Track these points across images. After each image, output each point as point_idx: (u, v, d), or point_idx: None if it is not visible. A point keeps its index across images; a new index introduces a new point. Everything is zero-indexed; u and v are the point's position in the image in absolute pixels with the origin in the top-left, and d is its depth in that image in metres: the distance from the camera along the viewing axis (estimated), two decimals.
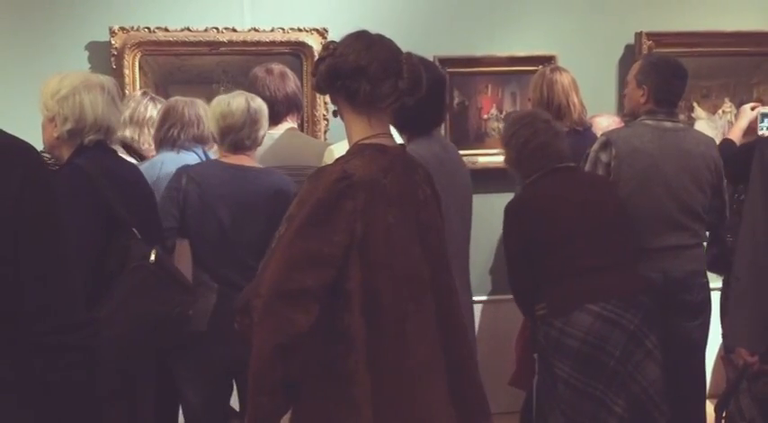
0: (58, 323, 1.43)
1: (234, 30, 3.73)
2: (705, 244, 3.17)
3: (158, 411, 2.48)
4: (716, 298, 3.21)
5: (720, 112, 4.15)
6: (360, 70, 1.82)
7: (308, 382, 1.79)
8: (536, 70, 3.69)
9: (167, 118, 2.88)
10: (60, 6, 3.66)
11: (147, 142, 3.05)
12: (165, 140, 2.87)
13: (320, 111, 3.83)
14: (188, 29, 3.69)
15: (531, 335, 2.92)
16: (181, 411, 2.80)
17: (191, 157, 2.84)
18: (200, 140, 2.91)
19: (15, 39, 3.62)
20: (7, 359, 1.41)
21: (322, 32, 3.78)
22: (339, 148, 2.57)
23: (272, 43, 3.76)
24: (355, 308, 1.76)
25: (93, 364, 1.47)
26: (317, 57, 3.60)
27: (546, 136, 2.82)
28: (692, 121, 4.08)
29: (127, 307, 2.12)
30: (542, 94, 3.43)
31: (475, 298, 3.76)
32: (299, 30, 3.78)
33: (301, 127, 3.59)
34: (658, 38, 4.02)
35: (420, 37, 3.63)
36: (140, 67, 3.68)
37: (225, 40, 3.71)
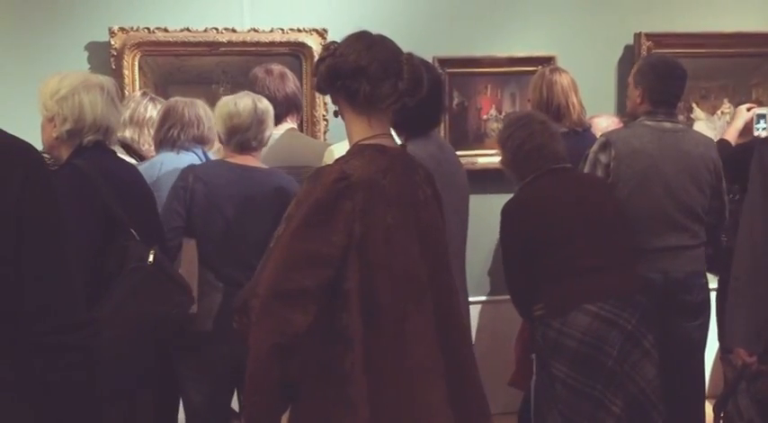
0: (58, 323, 1.43)
1: (233, 30, 3.73)
2: None
3: (158, 411, 2.48)
4: (712, 298, 3.21)
5: (719, 112, 4.15)
6: (360, 70, 1.83)
7: (306, 382, 1.79)
8: (535, 71, 3.69)
9: (167, 118, 2.88)
10: (60, 7, 3.66)
11: (146, 143, 3.05)
12: (165, 141, 2.87)
13: (320, 111, 3.83)
14: (188, 29, 3.69)
15: (531, 335, 2.93)
16: (181, 411, 2.81)
17: (190, 158, 2.84)
18: (200, 141, 2.91)
19: (15, 39, 3.62)
20: (7, 359, 1.41)
21: (321, 33, 3.79)
22: (339, 149, 2.57)
23: (272, 44, 3.76)
24: (354, 308, 1.76)
25: (92, 364, 1.47)
26: (316, 57, 3.64)
27: (542, 137, 2.82)
28: (691, 121, 4.08)
29: (125, 308, 2.12)
30: (542, 95, 3.44)
31: (474, 298, 3.77)
32: (299, 30, 3.79)
33: (301, 127, 3.59)
34: (657, 38, 4.02)
35: (420, 37, 3.63)
36: (140, 68, 3.69)
37: (224, 40, 3.71)
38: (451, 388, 1.89)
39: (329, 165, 1.88)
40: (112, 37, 3.63)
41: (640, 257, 2.85)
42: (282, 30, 3.77)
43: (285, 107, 3.10)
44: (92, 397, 1.50)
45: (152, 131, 3.00)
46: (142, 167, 2.71)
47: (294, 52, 3.80)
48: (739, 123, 3.52)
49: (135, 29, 3.65)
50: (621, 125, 3.60)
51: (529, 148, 2.81)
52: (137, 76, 3.67)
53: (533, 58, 3.95)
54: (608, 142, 2.99)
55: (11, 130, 1.50)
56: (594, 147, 3.02)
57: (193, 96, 3.06)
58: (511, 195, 2.93)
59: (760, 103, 3.88)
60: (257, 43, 3.74)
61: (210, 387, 2.67)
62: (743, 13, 4.17)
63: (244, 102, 2.69)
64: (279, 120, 3.04)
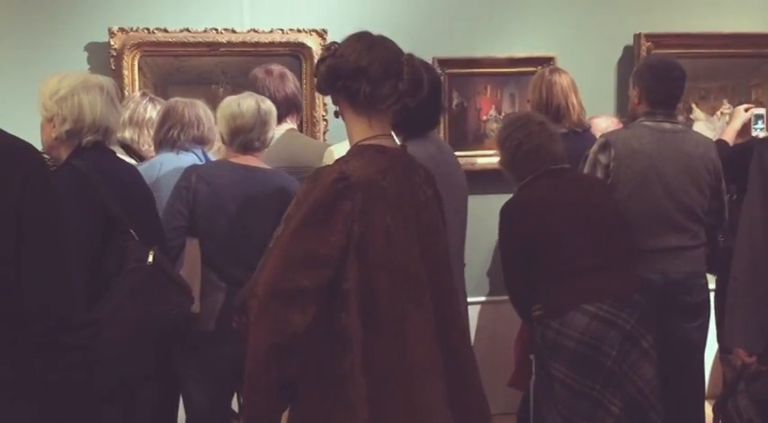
0: (58, 323, 1.43)
1: (233, 31, 3.73)
2: None
3: (158, 411, 2.48)
4: (712, 299, 3.21)
5: (719, 113, 4.15)
6: (360, 71, 1.83)
7: (304, 383, 1.79)
8: (535, 71, 3.70)
9: (167, 119, 2.88)
10: (60, 7, 3.66)
11: (146, 143, 3.05)
12: (165, 141, 2.87)
13: (319, 111, 3.83)
14: (187, 30, 3.69)
15: (530, 336, 2.93)
16: (181, 411, 2.80)
17: (190, 158, 2.84)
18: (200, 141, 2.92)
19: (15, 39, 3.62)
20: (8, 359, 1.42)
21: (321, 33, 3.79)
22: (339, 149, 2.57)
23: (272, 44, 3.76)
24: (352, 308, 1.76)
25: (92, 364, 1.47)
26: (315, 58, 3.68)
27: (540, 138, 2.82)
28: (690, 122, 4.08)
29: (125, 308, 2.12)
30: (542, 96, 3.44)
31: (474, 299, 3.78)
32: (299, 31, 3.79)
33: (300, 128, 3.59)
34: (657, 39, 4.02)
35: (419, 38, 3.63)
36: (139, 68, 3.68)
37: (224, 40, 3.71)
38: (451, 388, 1.89)
39: (329, 165, 1.88)
40: (112, 37, 3.63)
41: (639, 258, 2.85)
42: (282, 30, 3.77)
43: (285, 107, 3.10)
44: (91, 397, 1.50)
45: (152, 132, 3.00)
46: (142, 168, 2.72)
47: (294, 53, 3.80)
48: (737, 124, 3.53)
49: (134, 29, 3.65)
50: (621, 126, 3.60)
51: (527, 148, 2.82)
52: (136, 77, 3.67)
53: (533, 58, 3.95)
54: (608, 143, 2.99)
55: (11, 130, 1.50)
56: (594, 147, 3.02)
57: (193, 97, 3.06)
58: (510, 196, 2.93)
59: (759, 104, 3.88)
60: (257, 44, 3.74)
61: (212, 387, 2.67)
62: (742, 13, 4.17)
63: (247, 102, 2.70)
64: (279, 120, 3.03)
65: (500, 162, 2.95)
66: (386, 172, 1.83)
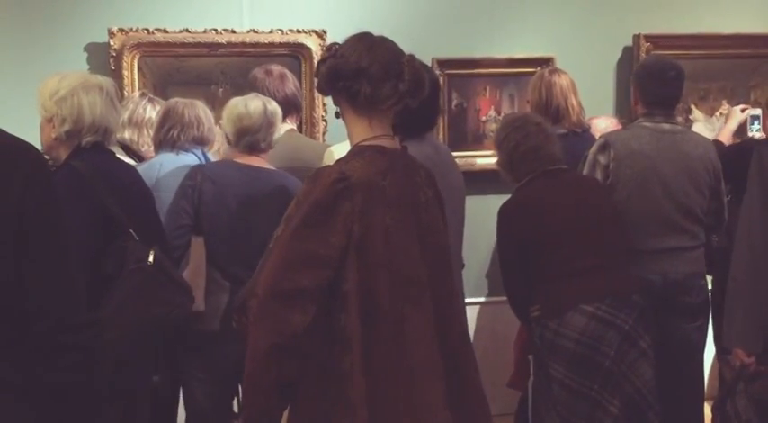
0: (58, 323, 1.43)
1: (233, 31, 3.73)
2: None
3: (157, 411, 2.48)
4: None
5: (718, 114, 4.15)
6: (360, 72, 1.83)
7: (304, 383, 1.79)
8: (534, 72, 3.70)
9: (167, 119, 2.88)
10: (59, 7, 3.66)
11: (146, 143, 3.05)
12: (165, 142, 2.87)
13: (319, 112, 3.83)
14: (187, 30, 3.69)
15: (529, 336, 2.93)
16: (180, 411, 2.81)
17: (190, 159, 2.84)
18: (200, 142, 2.92)
19: (14, 39, 3.62)
20: (9, 359, 1.42)
21: (320, 34, 3.79)
22: (339, 150, 2.57)
23: (271, 45, 3.76)
24: (352, 309, 1.76)
25: (93, 365, 1.47)
26: (315, 58, 3.68)
27: (537, 139, 2.83)
28: (689, 123, 4.08)
29: (126, 309, 2.13)
30: (541, 96, 3.44)
31: (473, 300, 3.78)
32: (298, 31, 3.79)
33: (300, 128, 3.59)
34: (656, 40, 4.03)
35: (419, 39, 3.63)
36: (139, 69, 3.68)
37: (224, 41, 3.72)
38: (451, 389, 1.89)
39: (329, 166, 1.88)
40: (112, 38, 3.63)
41: (638, 258, 2.86)
42: (281, 31, 3.78)
43: (285, 108, 3.09)
44: (92, 397, 1.50)
45: (151, 132, 3.00)
46: (141, 168, 2.72)
47: (293, 53, 3.80)
48: (733, 125, 3.54)
49: (134, 30, 3.65)
50: (620, 126, 3.60)
51: (524, 149, 2.82)
52: (136, 77, 3.67)
53: (532, 59, 3.95)
54: (607, 143, 2.99)
55: (11, 130, 1.51)
56: (593, 148, 3.02)
57: (192, 97, 3.06)
58: (510, 197, 2.93)
59: (757, 105, 3.88)
60: (256, 44, 3.74)
61: (215, 387, 2.68)
62: (742, 14, 4.18)
63: (254, 104, 2.71)
64: None
65: (498, 163, 2.95)
66: (386, 172, 1.83)
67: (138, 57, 3.67)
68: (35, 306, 1.42)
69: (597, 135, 3.34)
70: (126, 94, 3.46)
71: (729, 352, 2.59)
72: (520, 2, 4.03)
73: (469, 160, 3.89)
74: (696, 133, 3.33)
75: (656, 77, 3.02)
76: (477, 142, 4.00)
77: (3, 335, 1.41)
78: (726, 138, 3.50)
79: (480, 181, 3.65)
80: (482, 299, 4.01)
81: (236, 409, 2.86)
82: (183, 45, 3.69)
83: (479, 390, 2.00)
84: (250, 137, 2.69)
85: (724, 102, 4.18)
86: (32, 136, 1.88)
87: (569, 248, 2.71)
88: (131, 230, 2.20)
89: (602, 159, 2.98)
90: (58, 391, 1.45)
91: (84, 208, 2.14)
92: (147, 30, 3.66)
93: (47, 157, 2.33)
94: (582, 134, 3.43)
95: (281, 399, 1.77)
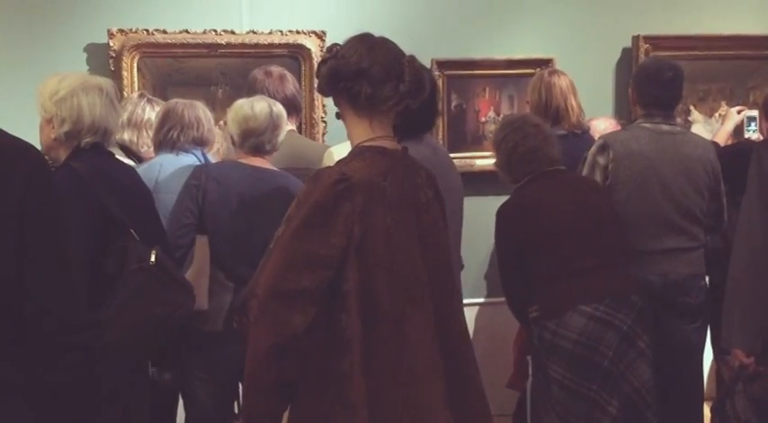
0: (60, 324, 1.43)
1: (232, 32, 3.73)
2: None
3: (156, 411, 2.48)
4: None
5: (717, 115, 4.15)
6: (361, 72, 1.83)
7: (304, 383, 1.79)
8: (534, 73, 3.70)
9: (167, 120, 2.88)
10: (59, 8, 3.66)
11: (145, 144, 3.05)
12: (165, 142, 2.87)
13: (318, 113, 3.83)
14: (186, 31, 3.70)
15: (527, 337, 2.93)
16: (180, 411, 2.80)
17: (190, 159, 2.84)
18: (200, 143, 2.92)
19: (14, 40, 3.62)
20: (10, 359, 1.41)
21: (320, 35, 3.79)
22: (339, 151, 2.58)
23: (270, 46, 3.76)
24: (352, 309, 1.76)
25: (94, 365, 1.47)
26: (314, 59, 3.68)
27: (536, 140, 2.83)
28: (688, 124, 4.08)
29: (128, 310, 2.13)
30: (541, 97, 3.45)
31: (472, 300, 3.79)
32: (297, 32, 3.79)
33: (299, 129, 3.59)
34: (655, 41, 4.03)
35: (418, 40, 3.63)
36: (138, 69, 3.69)
37: (223, 42, 3.72)
38: (451, 389, 1.89)
39: (329, 166, 1.89)
40: (111, 38, 3.63)
41: (637, 259, 2.86)
42: (281, 32, 3.78)
43: (284, 109, 3.10)
44: (92, 397, 1.50)
45: (150, 133, 3.00)
46: (141, 169, 2.72)
47: (293, 54, 3.80)
48: (729, 126, 3.55)
49: (134, 30, 3.65)
50: (619, 127, 3.61)
51: (523, 150, 2.82)
52: (135, 78, 3.67)
53: (531, 60, 3.96)
54: (606, 144, 3.00)
55: (10, 130, 1.51)
56: (593, 149, 3.02)
57: (192, 98, 3.06)
58: (508, 198, 2.94)
59: (755, 106, 3.88)
60: (256, 45, 3.74)
61: (217, 388, 2.68)
62: (741, 15, 4.18)
63: (260, 105, 2.71)
64: None
65: (496, 164, 2.96)
66: (387, 173, 1.84)
67: (137, 57, 3.67)
68: (36, 306, 1.42)
69: (596, 136, 3.34)
70: (125, 94, 3.46)
71: (728, 352, 2.59)
72: (519, 3, 4.03)
73: (469, 161, 3.89)
74: (695, 134, 3.33)
75: (652, 79, 3.02)
76: (476, 143, 4.00)
77: (3, 335, 1.41)
78: (722, 139, 3.50)
79: (479, 182, 3.66)
80: (481, 300, 4.01)
81: (236, 409, 2.86)
82: (183, 46, 3.70)
83: (480, 390, 2.00)
84: (255, 138, 2.70)
85: (723, 103, 4.19)
86: (32, 136, 1.88)
87: (567, 249, 2.71)
88: (132, 231, 2.20)
89: (601, 160, 2.98)
90: (58, 392, 1.45)
91: (84, 208, 2.14)
92: (147, 30, 3.66)
93: (46, 157, 2.33)
94: (581, 135, 3.44)
95: (282, 399, 1.77)
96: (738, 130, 3.53)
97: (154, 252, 2.19)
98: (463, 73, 3.94)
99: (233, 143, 2.77)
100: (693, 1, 4.16)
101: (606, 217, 2.82)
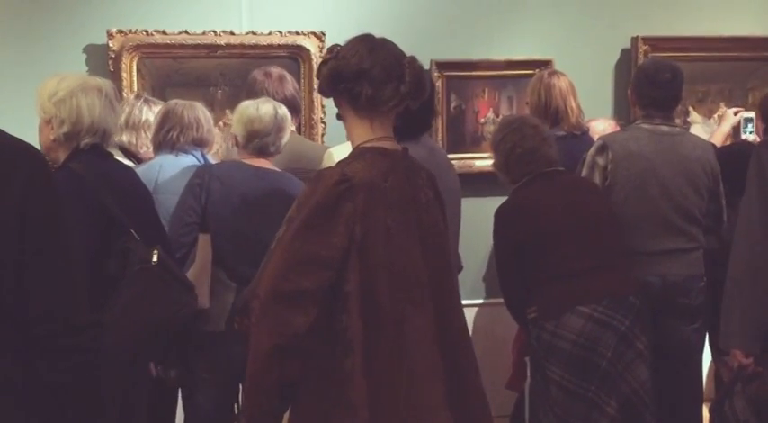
0: (61, 325, 1.43)
1: (231, 33, 3.73)
2: None
3: (156, 411, 2.48)
4: None
5: (716, 116, 4.15)
6: (362, 73, 1.83)
7: (305, 383, 1.80)
8: (533, 74, 3.70)
9: (166, 121, 2.88)
10: (58, 9, 3.66)
11: (144, 145, 3.05)
12: (164, 143, 2.87)
13: (318, 114, 3.83)
14: (186, 32, 3.69)
15: (526, 338, 2.94)
16: (180, 411, 2.80)
17: (189, 160, 2.84)
18: (199, 143, 2.92)
19: (13, 41, 3.62)
20: (11, 360, 1.41)
21: (319, 36, 3.79)
22: (339, 152, 2.58)
23: (270, 46, 3.76)
24: (353, 310, 1.77)
25: (96, 366, 1.47)
26: (314, 60, 3.68)
27: (534, 141, 2.84)
28: (687, 125, 4.08)
29: (132, 310, 2.13)
30: (540, 98, 3.45)
31: (471, 301, 3.78)
32: (297, 33, 3.79)
33: (299, 130, 3.59)
34: (654, 42, 4.03)
35: (417, 41, 3.62)
36: (138, 70, 3.68)
37: (223, 43, 3.71)
38: (452, 390, 1.89)
39: (330, 167, 1.89)
40: (110, 39, 3.63)
41: (637, 260, 2.86)
42: (280, 33, 3.77)
43: None
44: (95, 398, 1.50)
45: (149, 134, 3.00)
46: (141, 170, 2.72)
47: (292, 55, 3.80)
48: (726, 127, 3.56)
49: (133, 31, 3.64)
50: (618, 129, 3.61)
51: (521, 151, 2.83)
52: (135, 79, 3.67)
53: (531, 61, 3.95)
54: (605, 145, 3.00)
55: (10, 130, 1.51)
56: (592, 150, 3.03)
57: (191, 99, 3.06)
58: (506, 199, 2.94)
59: (755, 107, 3.89)
60: (255, 46, 3.74)
61: (219, 388, 2.68)
62: (740, 16, 4.18)
63: (265, 107, 2.73)
64: None
65: (494, 164, 2.96)
66: (387, 174, 1.84)
67: (136, 58, 3.66)
68: (37, 307, 1.41)
69: (595, 137, 3.34)
70: (125, 95, 3.46)
71: (727, 353, 2.59)
72: (518, 4, 4.03)
73: (467, 162, 3.89)
74: (695, 135, 3.33)
75: (651, 80, 3.03)
76: (475, 144, 4.00)
77: (4, 335, 1.41)
78: (718, 140, 3.52)
79: (478, 183, 3.66)
80: (480, 301, 4.01)
81: (235, 410, 2.86)
82: (182, 47, 3.69)
83: (480, 390, 2.00)
84: (260, 140, 2.71)
85: (722, 104, 4.19)
86: (32, 137, 1.88)
87: (566, 250, 2.72)
88: (132, 231, 2.20)
89: (600, 161, 2.99)
90: (59, 392, 1.45)
91: (84, 209, 2.14)
92: (146, 31, 3.66)
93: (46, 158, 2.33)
94: (581, 136, 3.44)
95: (283, 399, 1.77)
96: (735, 131, 3.54)
97: (155, 252, 2.19)
98: (462, 74, 3.94)
99: (237, 144, 2.78)
100: (692, 2, 4.16)
101: (604, 218, 2.82)
